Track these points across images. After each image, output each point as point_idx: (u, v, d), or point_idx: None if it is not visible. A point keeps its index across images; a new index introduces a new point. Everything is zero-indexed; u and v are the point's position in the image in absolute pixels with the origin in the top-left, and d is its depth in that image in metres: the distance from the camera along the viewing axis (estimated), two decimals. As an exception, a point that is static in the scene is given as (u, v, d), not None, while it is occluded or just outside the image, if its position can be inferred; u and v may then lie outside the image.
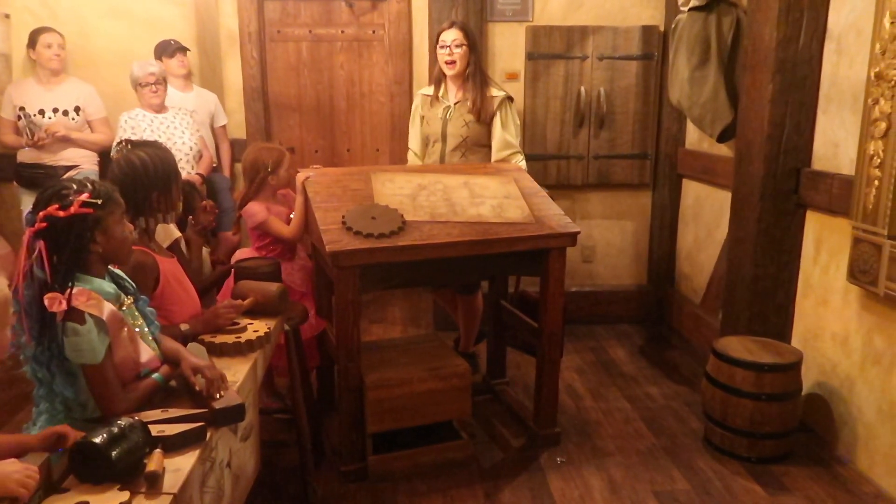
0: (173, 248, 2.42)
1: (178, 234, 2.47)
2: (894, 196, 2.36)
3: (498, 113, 3.18)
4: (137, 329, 1.76)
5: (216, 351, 1.99)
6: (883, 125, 2.38)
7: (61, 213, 1.57)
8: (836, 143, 2.79)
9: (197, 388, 1.71)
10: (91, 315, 1.57)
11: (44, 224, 1.56)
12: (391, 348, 2.93)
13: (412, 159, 3.42)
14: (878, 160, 2.40)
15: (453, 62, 3.15)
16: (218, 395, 1.69)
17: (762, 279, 3.09)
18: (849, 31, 2.71)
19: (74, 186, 1.64)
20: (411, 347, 2.95)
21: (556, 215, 2.83)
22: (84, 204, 1.60)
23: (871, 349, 2.63)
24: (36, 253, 1.55)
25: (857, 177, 2.52)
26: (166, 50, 3.82)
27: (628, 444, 2.94)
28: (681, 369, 3.73)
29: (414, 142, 3.41)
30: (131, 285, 1.82)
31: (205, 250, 2.84)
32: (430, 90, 3.33)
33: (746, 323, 3.13)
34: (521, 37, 4.02)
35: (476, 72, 3.19)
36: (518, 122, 3.29)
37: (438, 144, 3.26)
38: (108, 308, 1.63)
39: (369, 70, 4.27)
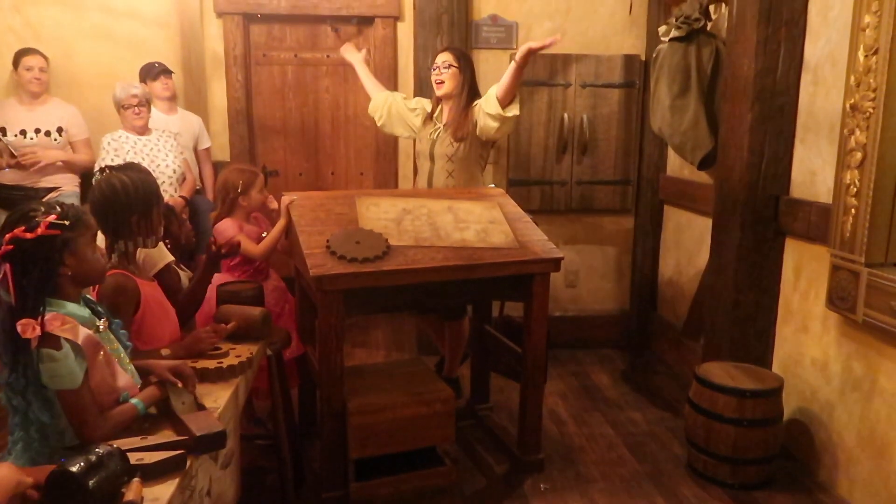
0: (166, 270, 2.40)
1: (170, 256, 2.45)
2: (871, 224, 2.41)
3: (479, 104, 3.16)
4: (114, 353, 1.73)
5: (197, 376, 1.96)
6: (859, 155, 2.43)
7: (28, 235, 1.53)
8: (813, 171, 2.85)
9: (180, 385, 1.76)
10: (67, 340, 1.54)
11: (10, 246, 1.53)
12: (374, 373, 2.91)
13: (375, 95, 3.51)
14: (855, 189, 2.45)
15: (441, 82, 3.19)
16: (196, 391, 1.73)
17: (743, 305, 3.11)
18: (824, 62, 2.77)
19: (42, 208, 1.61)
20: (395, 372, 2.93)
21: (539, 241, 2.85)
22: (51, 225, 1.56)
23: (850, 375, 2.66)
24: (1, 276, 1.51)
25: (835, 205, 2.57)
26: (150, 73, 3.81)
27: (612, 471, 2.93)
28: (664, 394, 3.74)
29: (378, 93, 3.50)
30: (103, 309, 1.79)
31: (185, 276, 2.81)
32: (429, 106, 3.37)
33: (728, 348, 3.15)
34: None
35: (462, 94, 3.20)
36: None
37: (427, 164, 3.28)
38: (83, 332, 1.60)
39: (354, 94, 4.29)
